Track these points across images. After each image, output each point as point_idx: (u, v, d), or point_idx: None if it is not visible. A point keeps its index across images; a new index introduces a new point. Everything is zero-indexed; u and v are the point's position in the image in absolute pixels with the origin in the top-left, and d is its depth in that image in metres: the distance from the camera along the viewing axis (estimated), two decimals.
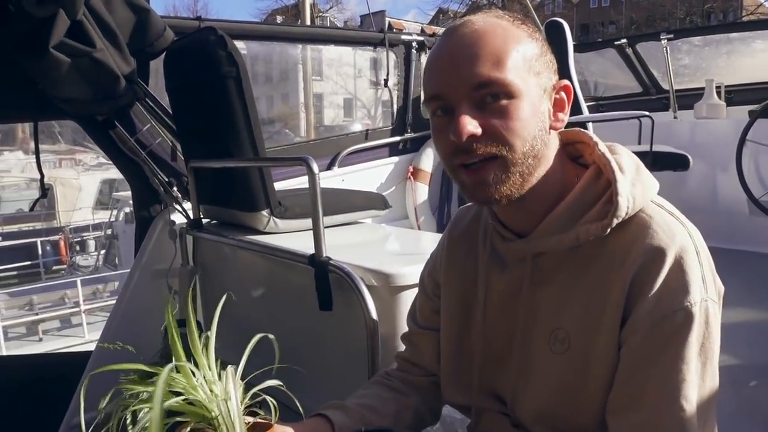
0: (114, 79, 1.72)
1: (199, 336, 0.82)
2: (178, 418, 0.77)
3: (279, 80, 22.64)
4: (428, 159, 3.23)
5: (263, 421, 0.84)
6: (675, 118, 3.93)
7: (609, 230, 0.81)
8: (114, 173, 14.85)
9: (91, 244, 13.91)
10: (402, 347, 1.14)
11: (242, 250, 1.86)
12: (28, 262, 12.53)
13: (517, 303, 0.91)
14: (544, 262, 0.88)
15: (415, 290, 1.16)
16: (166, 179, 2.13)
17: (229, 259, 1.98)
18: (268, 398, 0.84)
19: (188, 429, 0.77)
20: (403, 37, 3.16)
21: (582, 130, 0.92)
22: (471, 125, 0.79)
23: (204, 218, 2.07)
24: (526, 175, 0.83)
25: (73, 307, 8.20)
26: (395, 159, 3.22)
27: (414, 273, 1.30)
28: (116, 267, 10.87)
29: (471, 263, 0.99)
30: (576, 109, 3.23)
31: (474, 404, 1.00)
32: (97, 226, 13.81)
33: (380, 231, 2.11)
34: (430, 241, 1.90)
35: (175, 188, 2.14)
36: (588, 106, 3.60)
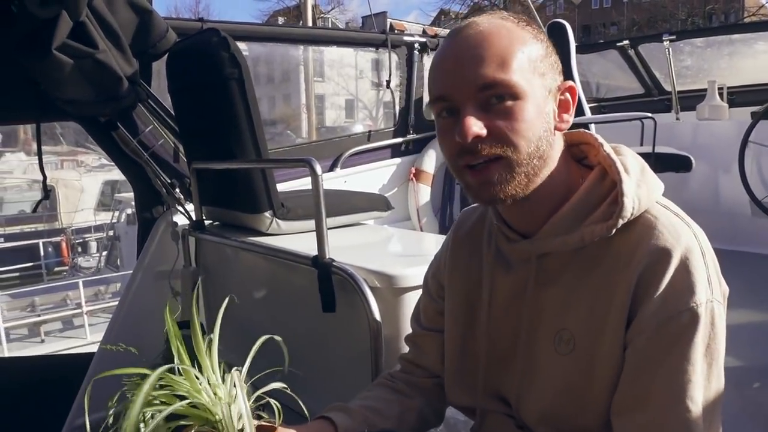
0: (117, 81, 1.72)
1: (202, 338, 0.82)
2: (183, 422, 0.76)
3: (280, 81, 22.68)
4: (430, 160, 3.23)
5: (267, 423, 0.83)
6: (677, 119, 3.93)
7: (614, 231, 0.81)
8: (116, 174, 14.88)
9: (93, 245, 13.94)
10: (405, 349, 1.14)
11: (245, 251, 1.85)
12: (30, 264, 12.55)
13: (522, 304, 0.91)
14: (548, 263, 0.88)
15: (419, 292, 1.16)
16: (169, 181, 2.13)
17: (232, 260, 1.98)
18: (272, 401, 0.83)
19: None
20: (406, 38, 3.16)
21: (587, 131, 0.92)
22: (476, 126, 0.79)
23: (206, 220, 2.07)
24: (531, 176, 0.83)
25: (75, 309, 8.21)
26: (397, 160, 3.22)
27: (417, 274, 1.30)
28: (118, 268, 10.90)
29: (475, 264, 0.99)
30: (578, 111, 3.23)
31: (478, 405, 0.99)
32: (98, 228, 13.85)
33: (383, 232, 2.11)
34: (433, 242, 1.89)
35: (177, 190, 2.14)
36: (590, 108, 3.60)
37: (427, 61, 3.26)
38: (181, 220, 2.14)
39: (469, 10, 27.66)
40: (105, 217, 13.65)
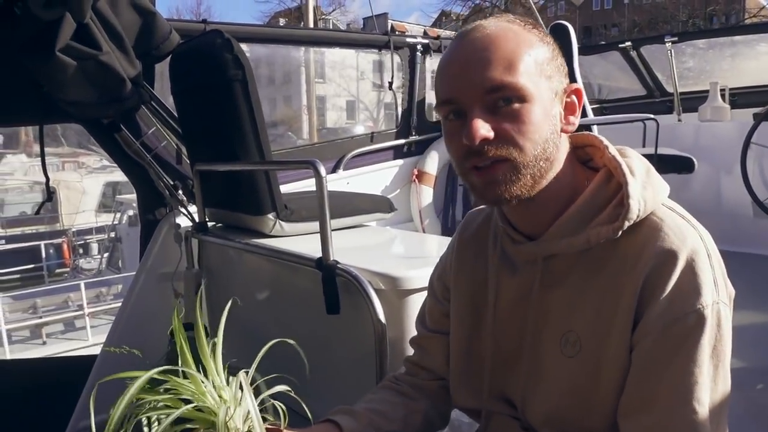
0: (120, 82, 1.72)
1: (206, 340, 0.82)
2: (188, 425, 0.76)
3: (282, 83, 22.70)
4: (433, 162, 3.23)
5: (272, 427, 0.83)
6: (679, 120, 3.93)
7: (620, 233, 0.81)
8: (117, 176, 14.91)
9: (95, 247, 13.94)
10: (410, 351, 1.14)
11: (248, 253, 1.85)
12: (32, 266, 12.56)
13: (528, 306, 0.91)
14: (554, 265, 0.88)
15: (423, 294, 1.15)
16: (171, 182, 2.13)
17: (235, 262, 1.98)
18: (277, 404, 0.83)
19: None
20: (408, 39, 3.16)
21: (592, 133, 0.92)
22: (483, 129, 0.79)
23: (209, 221, 2.07)
24: (537, 177, 0.83)
25: (76, 311, 8.21)
26: (400, 162, 3.22)
27: (422, 276, 1.30)
28: (120, 270, 10.90)
29: (481, 266, 0.99)
30: (581, 112, 3.22)
31: (484, 407, 0.99)
32: (100, 229, 13.85)
33: (386, 234, 2.11)
34: (436, 244, 1.89)
35: (180, 191, 2.14)
36: (592, 109, 3.60)
37: (430, 62, 3.26)
38: (183, 221, 2.14)
39: (470, 11, 27.69)
40: (106, 219, 13.65)
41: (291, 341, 0.92)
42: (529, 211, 0.88)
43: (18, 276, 12.50)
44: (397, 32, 3.31)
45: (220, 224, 2.12)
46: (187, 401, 0.76)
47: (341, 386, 1.49)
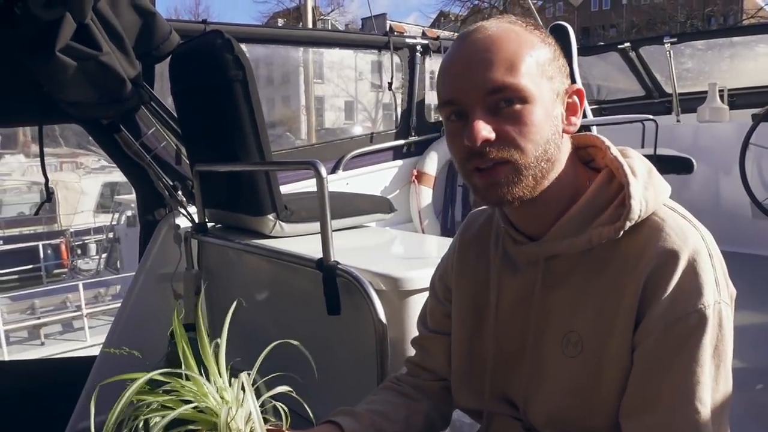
0: (120, 83, 1.72)
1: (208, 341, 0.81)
2: (191, 427, 0.76)
3: (280, 83, 22.69)
4: (432, 162, 3.23)
5: (274, 428, 0.83)
6: (678, 121, 3.93)
7: (622, 233, 0.81)
8: (115, 176, 14.89)
9: (93, 247, 13.92)
10: (411, 352, 1.14)
11: (248, 254, 1.85)
12: (30, 266, 12.54)
13: (530, 306, 0.91)
14: (556, 265, 0.88)
15: (424, 294, 1.15)
16: (171, 183, 2.13)
17: (235, 263, 1.98)
18: (279, 405, 0.83)
19: None
20: (408, 40, 3.16)
21: (594, 134, 0.92)
22: (485, 130, 0.79)
23: (209, 222, 2.06)
24: (539, 178, 0.83)
25: (75, 311, 8.20)
26: (399, 162, 3.22)
27: (423, 277, 1.30)
28: (118, 270, 10.89)
29: (483, 266, 0.99)
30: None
31: (485, 408, 0.99)
32: (98, 230, 13.84)
33: (386, 235, 2.10)
34: (436, 244, 1.89)
35: (179, 192, 2.14)
36: (591, 110, 3.60)
37: (429, 63, 3.26)
38: (183, 222, 2.14)
39: (468, 12, 27.70)
40: (104, 219, 13.64)
41: (295, 342, 0.92)
42: (530, 212, 0.88)
43: (16, 276, 12.47)
44: (395, 33, 3.30)
45: (219, 225, 2.11)
46: (189, 402, 0.76)
47: (342, 387, 1.49)
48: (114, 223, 12.22)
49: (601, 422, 0.84)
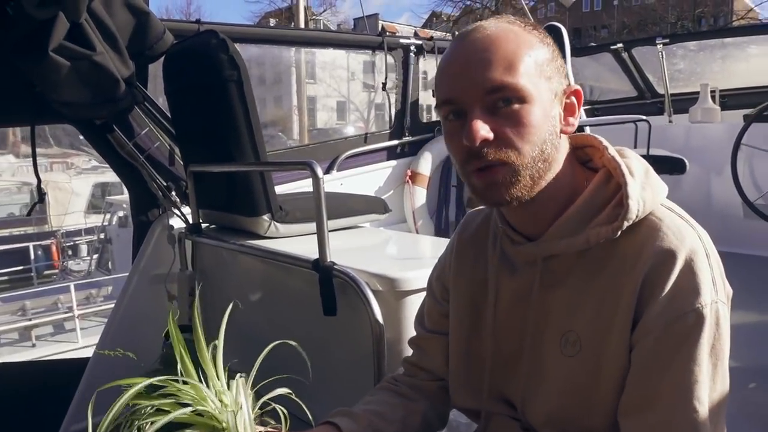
0: (114, 83, 1.70)
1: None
2: (188, 431, 0.75)
3: (272, 83, 22.64)
4: (426, 163, 3.23)
5: (273, 430, 0.83)
6: (670, 122, 3.95)
7: (619, 233, 0.82)
8: (106, 177, 14.80)
9: (84, 248, 13.83)
10: (408, 352, 1.14)
11: (243, 254, 1.84)
12: (20, 267, 12.45)
13: (528, 306, 0.91)
14: (554, 265, 0.88)
15: (421, 295, 1.15)
16: (165, 183, 2.12)
17: (229, 264, 1.97)
18: (278, 407, 0.83)
19: None
20: (402, 40, 3.16)
21: (592, 134, 0.92)
22: (483, 130, 0.79)
23: (203, 223, 2.05)
24: (536, 178, 0.83)
25: (66, 313, 8.14)
26: (393, 163, 3.22)
27: (419, 277, 1.30)
28: (110, 271, 10.82)
29: (481, 266, 0.99)
30: None
31: (483, 408, 0.99)
32: (89, 230, 13.74)
33: (381, 235, 2.10)
34: (432, 245, 1.89)
35: (173, 192, 2.12)
36: (583, 110, 3.61)
37: (423, 63, 3.26)
38: (177, 223, 2.13)
39: (461, 12, 27.74)
40: (96, 220, 13.55)
41: (293, 343, 0.92)
42: (528, 212, 0.88)
43: (6, 278, 12.38)
44: (387, 33, 3.30)
45: (213, 225, 2.10)
46: (186, 406, 0.76)
47: (339, 388, 1.48)
48: (105, 223, 12.14)
49: (599, 421, 0.84)
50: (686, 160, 3.02)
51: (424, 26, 31.71)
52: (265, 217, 1.78)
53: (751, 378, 1.97)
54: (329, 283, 1.37)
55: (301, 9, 12.24)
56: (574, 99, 0.88)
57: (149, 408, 0.76)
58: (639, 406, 0.79)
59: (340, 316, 1.38)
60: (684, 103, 3.86)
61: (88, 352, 2.29)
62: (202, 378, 0.80)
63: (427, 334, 1.09)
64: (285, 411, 0.82)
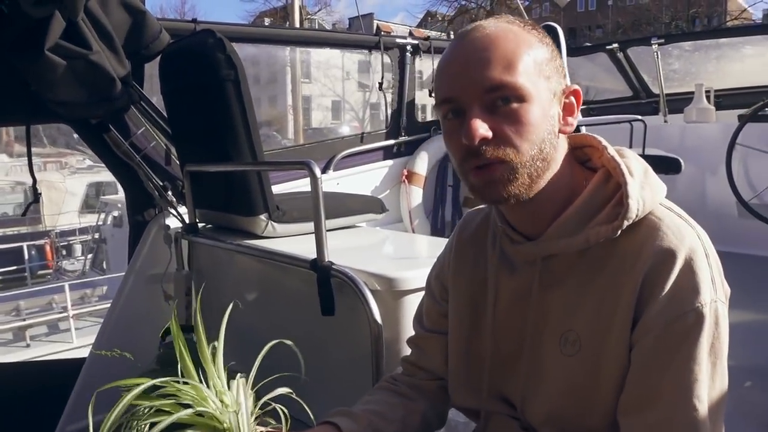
0: (110, 82, 1.69)
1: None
2: (189, 431, 0.75)
3: (267, 82, 22.59)
4: (423, 162, 3.23)
5: (274, 430, 0.82)
6: (665, 121, 3.97)
7: (619, 232, 0.82)
8: (100, 176, 14.74)
9: (78, 248, 13.78)
10: (406, 352, 1.14)
11: (240, 254, 1.84)
12: (14, 267, 12.40)
13: (527, 305, 0.91)
14: (553, 265, 0.88)
15: (419, 294, 1.15)
16: (161, 183, 2.11)
17: (226, 263, 1.96)
18: (279, 407, 0.82)
19: None
20: (398, 40, 3.16)
21: (591, 134, 0.93)
22: (482, 128, 0.79)
23: (199, 222, 2.05)
24: (535, 177, 0.83)
25: (60, 313, 8.11)
26: (390, 162, 3.22)
27: (417, 277, 1.30)
28: (104, 271, 10.79)
29: (480, 266, 0.99)
30: None
31: (483, 407, 0.99)
32: (83, 230, 13.69)
33: (378, 235, 2.10)
34: (430, 244, 1.89)
35: (169, 192, 2.12)
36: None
37: (419, 63, 3.27)
38: (173, 223, 2.12)
39: (456, 12, 27.76)
40: (90, 220, 13.50)
41: (289, 342, 0.91)
42: (527, 211, 0.88)
43: (0, 278, 12.32)
44: (382, 33, 3.29)
45: (210, 225, 2.10)
46: (186, 406, 0.76)
47: (337, 388, 1.48)
48: (100, 223, 12.10)
49: (598, 420, 0.84)
50: (681, 160, 3.03)
51: (419, 26, 31.72)
52: (262, 216, 1.78)
53: (746, 377, 1.98)
54: (327, 283, 1.36)
55: (296, 8, 12.19)
56: (573, 99, 0.88)
57: (149, 409, 0.75)
58: (639, 405, 0.79)
59: (338, 315, 1.38)
60: (679, 103, 3.88)
61: (83, 352, 2.28)
62: (201, 378, 0.79)
63: (426, 334, 1.09)
64: (286, 411, 0.82)
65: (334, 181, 2.84)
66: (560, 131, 0.86)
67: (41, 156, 16.69)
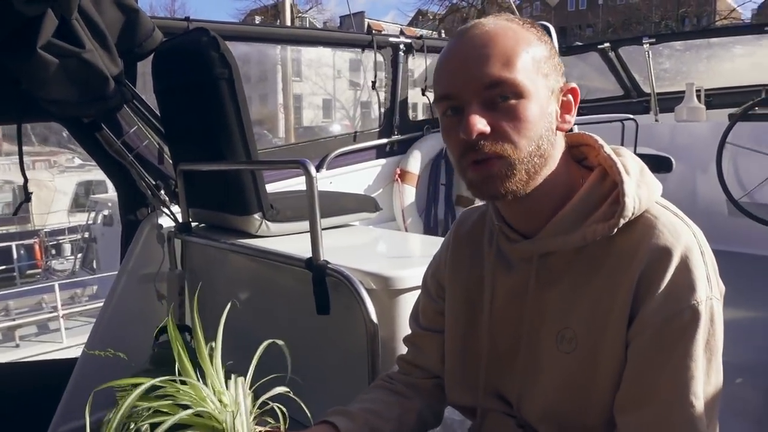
0: (103, 81, 1.68)
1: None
2: (187, 431, 0.75)
3: (257, 81, 22.52)
4: (415, 161, 3.23)
5: (272, 430, 0.82)
6: (656, 120, 3.99)
7: (615, 230, 0.82)
8: (90, 175, 14.63)
9: (67, 247, 13.68)
10: (402, 351, 1.14)
11: (234, 253, 1.83)
12: (2, 267, 12.29)
13: (524, 303, 0.92)
14: (550, 263, 0.89)
15: (415, 293, 1.16)
16: (154, 182, 2.10)
17: (220, 263, 1.96)
18: (277, 406, 0.82)
19: None
20: (391, 39, 3.15)
21: (588, 133, 0.93)
22: (480, 123, 0.80)
23: (193, 222, 2.04)
24: (532, 174, 0.84)
25: (50, 312, 8.05)
26: (382, 161, 3.22)
27: (413, 275, 1.30)
28: (94, 271, 10.71)
29: (477, 263, 1.00)
30: None
31: (479, 405, 1.00)
32: (73, 229, 13.58)
33: (373, 233, 2.10)
34: (424, 243, 1.89)
35: (162, 191, 2.11)
36: None
37: (412, 62, 3.26)
38: (166, 222, 2.11)
39: (447, 10, 27.78)
40: (80, 219, 13.39)
41: (280, 342, 0.91)
42: (524, 209, 0.89)
43: None
44: (373, 31, 3.29)
45: (203, 224, 2.09)
46: (183, 406, 0.75)
47: (333, 386, 1.48)
48: (90, 222, 12.01)
49: (595, 417, 0.85)
50: (672, 159, 3.05)
51: (410, 24, 31.71)
52: (256, 215, 1.77)
53: (738, 374, 2.00)
54: (323, 282, 1.36)
55: (287, 6, 12.16)
56: (570, 97, 0.89)
57: (147, 410, 0.75)
58: (635, 401, 0.80)
59: (333, 314, 1.38)
60: (670, 102, 3.90)
61: (74, 352, 2.26)
62: (199, 378, 0.79)
63: (422, 332, 1.09)
64: (284, 410, 0.82)
65: (327, 180, 2.84)
66: (558, 128, 0.86)
67: (30, 155, 16.53)
